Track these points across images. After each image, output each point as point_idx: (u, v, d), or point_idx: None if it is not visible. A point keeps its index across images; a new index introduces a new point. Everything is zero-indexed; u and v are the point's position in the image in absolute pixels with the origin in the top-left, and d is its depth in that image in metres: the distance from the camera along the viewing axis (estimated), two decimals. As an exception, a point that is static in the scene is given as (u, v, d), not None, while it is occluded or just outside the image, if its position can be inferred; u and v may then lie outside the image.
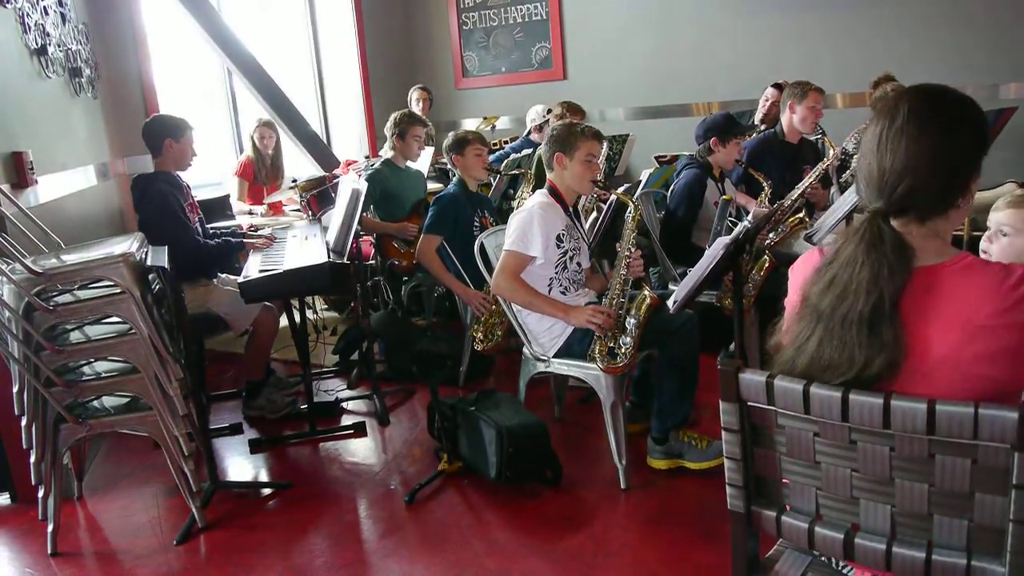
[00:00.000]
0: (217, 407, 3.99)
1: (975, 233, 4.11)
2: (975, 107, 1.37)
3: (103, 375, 2.79)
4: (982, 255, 2.13)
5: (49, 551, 2.75)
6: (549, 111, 5.66)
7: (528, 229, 2.97)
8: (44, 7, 3.62)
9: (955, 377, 1.28)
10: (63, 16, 3.84)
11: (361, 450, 3.46)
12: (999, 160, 4.56)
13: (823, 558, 1.55)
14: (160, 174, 3.59)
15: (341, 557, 2.61)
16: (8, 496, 3.16)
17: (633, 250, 2.96)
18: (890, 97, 1.39)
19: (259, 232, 4.06)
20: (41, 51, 3.56)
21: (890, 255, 1.29)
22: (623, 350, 2.83)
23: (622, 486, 2.90)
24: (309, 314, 4.64)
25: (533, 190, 3.94)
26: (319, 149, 6.11)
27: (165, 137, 3.56)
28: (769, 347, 1.48)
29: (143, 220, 3.51)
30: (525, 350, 3.15)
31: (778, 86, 5.15)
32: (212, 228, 4.03)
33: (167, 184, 3.53)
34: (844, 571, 1.50)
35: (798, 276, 1.49)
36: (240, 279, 3.23)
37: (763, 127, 5.06)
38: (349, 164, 5.48)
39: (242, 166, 5.35)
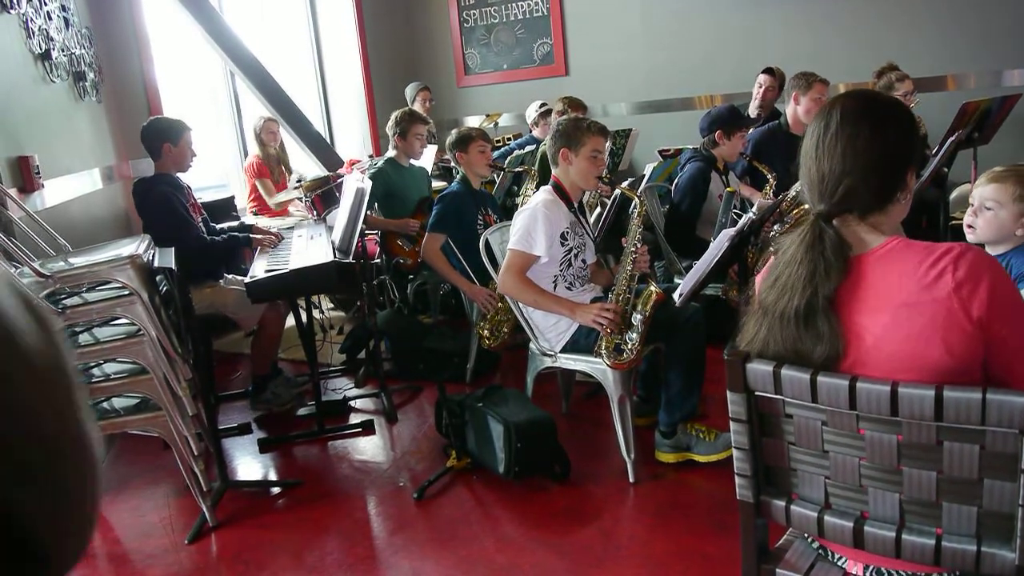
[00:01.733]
0: (226, 407, 4.01)
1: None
2: (902, 106, 1.45)
3: (112, 377, 2.81)
4: (967, 231, 2.15)
5: (62, 552, 2.77)
6: (542, 105, 5.68)
7: (532, 228, 2.97)
8: (47, 12, 3.64)
9: (892, 363, 1.30)
10: (66, 21, 3.86)
11: (370, 448, 3.47)
12: (1004, 148, 4.55)
13: (820, 550, 1.55)
14: (160, 176, 3.60)
15: (351, 554, 2.62)
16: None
17: (639, 246, 2.95)
18: (824, 104, 1.46)
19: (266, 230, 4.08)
20: (45, 56, 3.57)
21: (828, 254, 1.35)
22: (629, 346, 2.83)
23: (631, 480, 2.90)
24: (316, 314, 4.66)
25: (537, 187, 3.94)
26: (323, 149, 6.11)
27: (163, 142, 3.56)
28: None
29: (147, 223, 3.52)
30: (532, 346, 3.16)
31: (770, 71, 5.13)
32: (219, 227, 4.04)
33: (168, 186, 3.54)
34: (838, 562, 1.50)
35: (760, 280, 1.54)
36: (246, 279, 3.25)
37: (760, 114, 5.04)
38: (353, 163, 5.49)
39: (257, 167, 5.35)
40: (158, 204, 3.49)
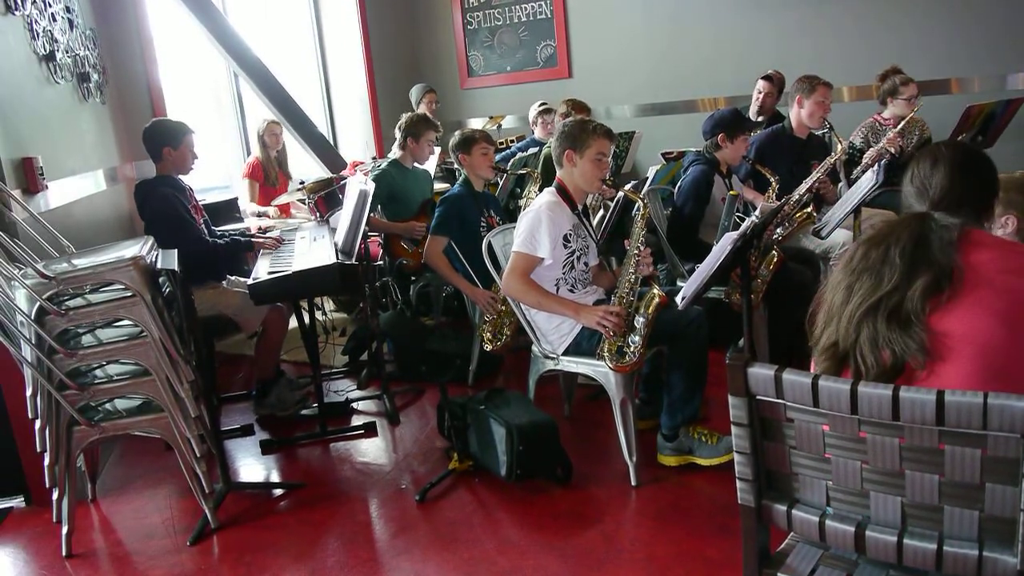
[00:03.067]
0: (228, 409, 4.02)
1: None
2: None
3: (115, 378, 2.81)
4: None
5: (64, 553, 2.77)
6: (542, 104, 5.69)
7: (536, 230, 2.97)
8: (52, 13, 3.65)
9: (993, 286, 1.41)
10: (70, 22, 3.87)
11: (372, 450, 3.48)
12: (1009, 151, 4.54)
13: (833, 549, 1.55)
14: (161, 178, 3.60)
15: (353, 556, 2.62)
16: (23, 499, 3.18)
17: (643, 248, 2.95)
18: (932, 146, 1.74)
19: (268, 234, 4.07)
20: (49, 57, 3.58)
21: (937, 217, 1.53)
22: (632, 349, 2.82)
23: (633, 483, 2.90)
24: (318, 315, 4.65)
25: (540, 189, 3.94)
26: (326, 151, 6.13)
27: (163, 146, 3.56)
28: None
29: (149, 226, 3.52)
30: (534, 348, 3.16)
31: (768, 78, 5.13)
32: (220, 231, 4.04)
33: (169, 188, 3.54)
34: None
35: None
36: (249, 281, 3.25)
37: (760, 119, 5.05)
38: (356, 165, 5.50)
39: (251, 168, 5.36)
40: (159, 206, 3.49)
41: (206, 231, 3.70)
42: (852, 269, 1.52)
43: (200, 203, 3.88)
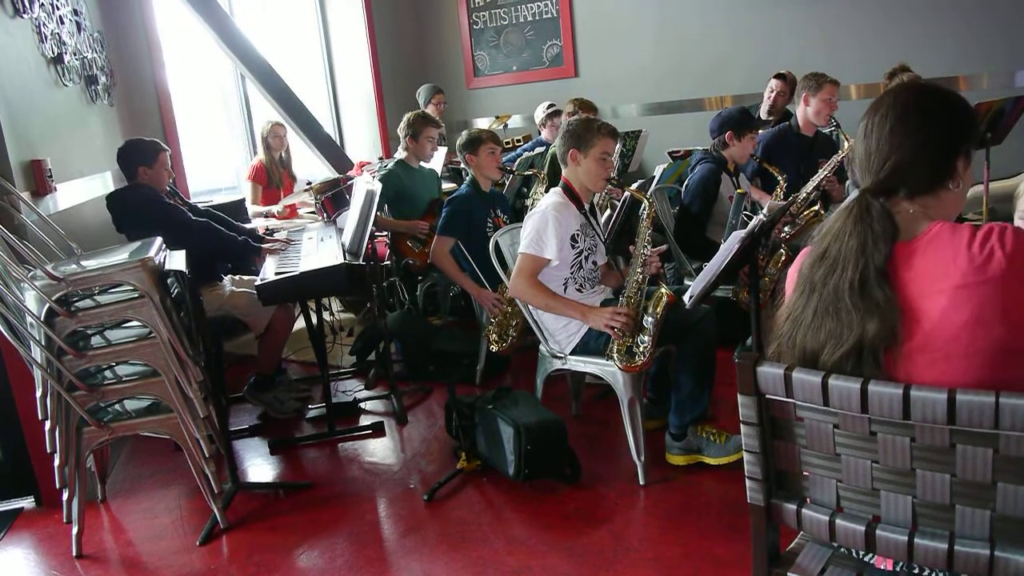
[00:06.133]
0: (237, 409, 4.02)
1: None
2: (957, 97, 1.43)
3: (124, 379, 2.82)
4: None
5: (74, 553, 2.79)
6: (551, 106, 5.68)
7: (543, 231, 2.97)
8: (60, 16, 3.66)
9: (953, 346, 1.28)
10: (78, 25, 3.89)
11: (380, 450, 3.48)
12: (1017, 148, 4.52)
13: (843, 549, 1.54)
14: (135, 185, 3.55)
15: (362, 556, 2.63)
16: (33, 499, 3.20)
17: (649, 248, 2.94)
18: (881, 93, 1.48)
19: (275, 235, 4.08)
20: (58, 60, 3.60)
21: (876, 226, 1.36)
22: (642, 348, 2.82)
23: (641, 482, 2.89)
24: (326, 315, 4.65)
25: (546, 190, 3.94)
26: (333, 152, 6.13)
27: (138, 165, 3.54)
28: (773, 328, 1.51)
29: (139, 232, 3.34)
30: (542, 348, 3.15)
31: (781, 76, 5.11)
32: (243, 225, 4.03)
33: (147, 189, 3.52)
34: (866, 559, 1.50)
35: (795, 269, 1.53)
36: (257, 281, 3.26)
37: (771, 119, 5.03)
38: (363, 166, 5.50)
39: (254, 170, 5.37)
40: (142, 207, 3.45)
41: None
42: (815, 304, 1.39)
43: (208, 204, 3.89)
